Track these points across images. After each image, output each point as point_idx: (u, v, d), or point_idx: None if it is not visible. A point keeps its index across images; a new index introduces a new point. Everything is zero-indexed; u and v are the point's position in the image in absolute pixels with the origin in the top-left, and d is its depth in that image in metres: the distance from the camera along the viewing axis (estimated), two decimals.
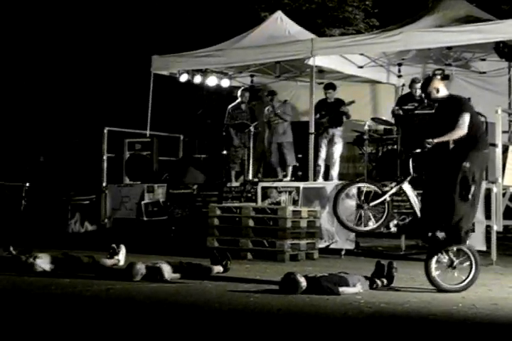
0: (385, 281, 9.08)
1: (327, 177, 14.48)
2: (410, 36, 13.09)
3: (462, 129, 8.56)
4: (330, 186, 13.25)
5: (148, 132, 15.79)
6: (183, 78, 16.00)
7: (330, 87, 14.99)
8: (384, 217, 9.24)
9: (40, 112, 23.86)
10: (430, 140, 8.62)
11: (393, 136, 14.02)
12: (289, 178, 14.80)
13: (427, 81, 9.17)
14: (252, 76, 17.10)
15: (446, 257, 8.74)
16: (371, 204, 9.22)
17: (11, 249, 10.88)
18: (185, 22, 22.69)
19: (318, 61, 14.06)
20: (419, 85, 13.61)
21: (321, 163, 14.55)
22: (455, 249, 8.71)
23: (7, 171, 20.08)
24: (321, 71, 15.42)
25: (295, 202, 13.38)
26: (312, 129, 13.92)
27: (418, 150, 8.84)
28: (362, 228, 9.56)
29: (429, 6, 15.65)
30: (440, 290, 8.70)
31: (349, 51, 14.15)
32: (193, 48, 15.67)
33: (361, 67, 15.29)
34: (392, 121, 14.26)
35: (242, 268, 10.86)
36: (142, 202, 14.82)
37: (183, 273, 9.56)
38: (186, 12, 22.86)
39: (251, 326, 6.65)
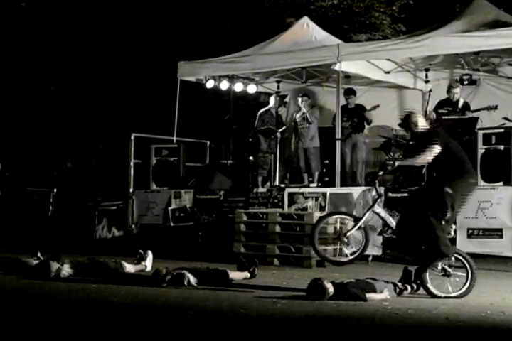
0: (414, 287, 9.03)
1: (354, 182, 14.45)
2: (437, 41, 13.02)
3: (424, 157, 8.88)
4: (356, 192, 13.20)
5: (175, 138, 15.82)
6: (210, 84, 16.02)
7: (350, 92, 15.00)
8: (363, 244, 9.60)
9: (67, 119, 23.98)
10: (390, 162, 8.87)
11: None
12: (315, 184, 14.77)
13: (406, 116, 9.41)
14: (278, 82, 17.10)
15: (439, 268, 8.85)
16: (347, 234, 9.54)
17: (39, 254, 10.94)
18: (211, 28, 22.72)
19: (345, 66, 14.02)
20: (456, 90, 13.62)
21: (347, 168, 14.55)
22: (444, 261, 8.83)
23: (35, 177, 20.20)
24: (347, 76, 15.39)
25: (322, 208, 13.34)
26: (338, 135, 13.89)
27: (381, 173, 9.37)
28: (343, 259, 9.86)
29: (457, 10, 15.58)
30: (437, 298, 8.74)
31: (375, 56, 14.10)
32: (220, 54, 15.68)
33: (388, 72, 15.23)
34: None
35: (269, 274, 10.84)
36: (169, 208, 14.83)
37: (205, 279, 9.58)
38: (213, 18, 22.90)
39: (278, 332, 6.63)
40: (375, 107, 14.66)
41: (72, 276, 10.17)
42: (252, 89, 16.66)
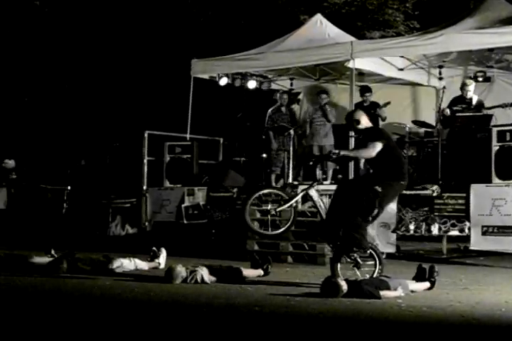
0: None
1: None
2: (451, 38, 12.97)
3: (369, 152, 9.10)
4: None
5: (188, 135, 15.83)
6: (223, 81, 16.02)
7: (367, 90, 14.98)
8: (290, 221, 9.66)
9: (81, 117, 24.04)
10: (336, 151, 9.24)
11: (434, 138, 13.93)
12: (329, 181, 14.74)
13: (349, 114, 9.79)
14: (291, 79, 17.09)
15: (352, 258, 9.12)
16: (278, 209, 9.55)
17: (53, 252, 10.97)
18: (224, 25, 22.72)
19: (358, 64, 13.99)
20: (470, 87, 13.57)
21: (362, 166, 14.52)
22: (356, 252, 9.08)
23: (49, 175, 20.25)
24: (361, 74, 15.36)
25: None
26: (353, 132, 13.86)
27: (323, 159, 9.89)
28: (269, 232, 9.85)
29: (471, 7, 15.52)
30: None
31: (389, 53, 14.06)
32: (233, 52, 15.68)
33: (401, 69, 15.19)
34: (433, 123, 14.21)
35: (283, 272, 10.84)
36: (182, 205, 14.84)
37: (220, 276, 9.59)
38: (226, 16, 22.90)
39: (292, 329, 6.63)
40: (386, 104, 14.64)
41: (87, 273, 10.20)
42: (265, 86, 16.66)
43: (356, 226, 9.04)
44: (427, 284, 9.05)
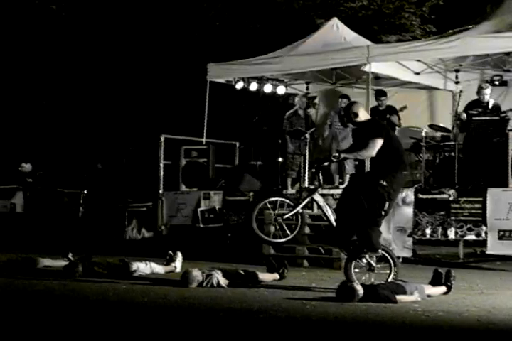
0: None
1: None
2: (468, 42, 12.93)
3: (370, 152, 9.09)
4: None
5: (204, 139, 15.84)
6: (239, 85, 16.04)
7: (381, 94, 14.95)
8: (298, 227, 9.58)
9: (97, 120, 24.11)
10: (337, 154, 9.27)
11: (450, 142, 13.89)
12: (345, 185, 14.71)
13: (348, 106, 9.79)
14: (307, 83, 17.08)
15: (364, 262, 9.14)
16: (284, 216, 9.46)
17: (70, 255, 11.01)
18: (241, 29, 22.75)
19: (375, 68, 13.98)
20: (486, 91, 13.53)
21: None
22: (369, 255, 9.11)
23: (66, 178, 20.32)
24: (377, 77, 15.34)
25: None
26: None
27: (326, 163, 9.66)
28: (277, 240, 9.75)
29: (487, 11, 15.46)
30: None
31: (405, 57, 14.04)
32: (249, 56, 15.69)
33: (418, 73, 15.15)
34: (450, 127, 14.18)
35: (298, 276, 10.84)
36: (198, 209, 14.86)
37: (235, 280, 9.59)
38: (242, 20, 22.92)
39: (308, 333, 6.62)
40: (403, 108, 14.60)
41: (103, 277, 10.23)
42: (281, 90, 16.66)
43: (366, 228, 9.03)
44: (444, 289, 9.02)
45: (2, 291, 9.09)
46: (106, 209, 17.59)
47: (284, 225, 9.58)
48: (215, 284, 9.41)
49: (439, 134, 14.84)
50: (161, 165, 15.76)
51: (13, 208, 18.89)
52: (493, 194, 12.03)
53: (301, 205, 9.49)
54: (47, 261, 11.55)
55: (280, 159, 15.56)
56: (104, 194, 18.48)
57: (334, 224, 9.30)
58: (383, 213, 9.09)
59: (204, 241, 14.50)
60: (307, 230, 12.42)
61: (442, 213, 12.46)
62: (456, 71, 15.17)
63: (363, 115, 9.48)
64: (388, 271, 9.15)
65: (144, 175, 18.31)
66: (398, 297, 8.34)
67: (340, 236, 9.33)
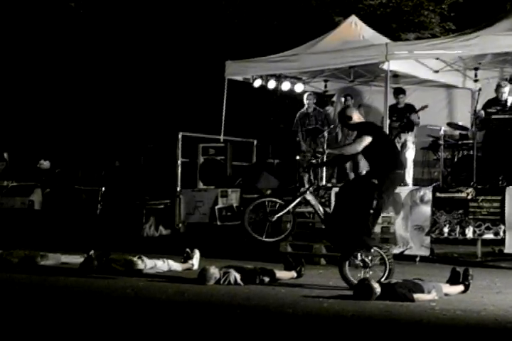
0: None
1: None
2: (487, 40, 12.88)
3: (354, 147, 9.45)
4: (404, 192, 13.11)
5: (222, 137, 15.86)
6: (257, 83, 16.04)
7: (400, 92, 14.89)
8: (291, 227, 9.87)
9: (115, 118, 24.18)
10: (321, 150, 9.64)
11: (469, 141, 13.84)
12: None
13: (342, 111, 10.07)
14: (325, 81, 17.05)
15: (358, 259, 9.20)
16: (276, 216, 9.67)
17: (92, 252, 11.03)
18: (259, 27, 22.74)
19: (393, 65, 13.93)
20: (505, 89, 13.45)
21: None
22: (363, 252, 9.20)
23: (84, 176, 20.38)
24: (395, 75, 15.30)
25: None
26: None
27: (314, 161, 9.71)
28: (269, 239, 9.96)
29: (507, 8, 15.40)
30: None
31: (424, 55, 13.98)
32: (267, 53, 15.68)
33: (436, 71, 15.09)
34: (469, 126, 14.11)
35: (316, 274, 10.82)
36: (216, 207, 14.86)
37: (252, 278, 9.60)
38: (260, 17, 22.91)
39: (325, 331, 6.62)
40: (423, 108, 14.55)
41: (120, 274, 10.26)
42: (299, 88, 16.63)
43: (359, 225, 9.22)
44: (461, 287, 8.99)
45: (20, 287, 9.13)
46: (124, 207, 17.60)
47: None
48: (232, 282, 9.42)
49: (457, 133, 14.78)
50: (179, 162, 15.78)
51: (32, 205, 18.96)
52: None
53: (291, 205, 9.67)
54: (64, 258, 11.60)
55: (298, 157, 15.55)
56: (122, 191, 18.50)
57: (326, 222, 9.56)
58: (370, 212, 9.26)
59: (221, 238, 14.50)
60: None
61: (460, 212, 12.41)
62: (475, 69, 15.11)
63: (357, 117, 9.75)
64: (383, 270, 9.20)
65: (161, 172, 18.32)
66: (416, 295, 8.32)
67: (333, 234, 9.56)
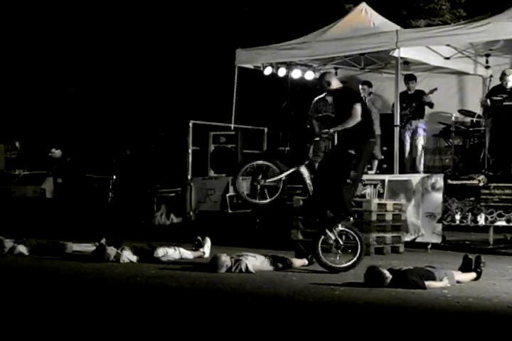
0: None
1: (413, 169, 14.34)
2: (498, 26, 12.81)
3: (355, 118, 9.45)
4: (416, 179, 13.09)
5: (232, 125, 15.85)
6: (268, 71, 16.02)
7: (411, 78, 14.85)
8: (278, 193, 9.92)
9: (126, 107, 24.19)
10: (327, 130, 9.67)
11: (480, 128, 13.79)
12: (374, 171, 14.67)
13: (320, 76, 10.19)
14: (336, 68, 17.00)
15: (333, 237, 9.48)
16: (267, 180, 9.89)
17: (103, 240, 11.06)
18: (269, 15, 22.69)
19: (404, 53, 13.89)
20: (510, 77, 13.40)
21: (407, 155, 14.45)
22: (341, 227, 9.49)
23: (95, 164, 20.43)
24: (406, 62, 15.24)
25: (380, 195, 13.26)
26: (397, 122, 13.78)
27: (317, 139, 9.89)
28: (256, 201, 10.07)
29: None
30: (326, 268, 9.45)
31: (435, 42, 13.94)
32: (277, 41, 15.65)
33: (447, 58, 15.04)
34: (480, 112, 14.05)
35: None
36: (227, 195, 14.87)
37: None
38: (270, 5, 22.85)
39: (337, 319, 6.62)
40: (432, 91, 14.51)
41: (132, 262, 10.29)
42: (309, 75, 16.59)
43: (340, 193, 9.42)
44: (473, 275, 8.97)
45: (33, 275, 9.17)
46: (135, 195, 17.65)
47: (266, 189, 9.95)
48: (243, 269, 9.42)
49: (468, 119, 14.73)
50: (190, 150, 15.80)
51: (43, 193, 19.04)
52: None
53: (285, 173, 9.82)
54: (76, 246, 11.64)
55: (308, 145, 15.49)
56: (133, 179, 18.55)
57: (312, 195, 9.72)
58: (349, 181, 9.41)
59: (232, 226, 14.51)
60: None
61: (472, 199, 12.39)
62: (487, 56, 15.05)
63: (335, 83, 9.88)
64: (355, 252, 9.51)
65: (172, 160, 18.35)
66: (427, 283, 8.30)
67: (314, 206, 9.73)
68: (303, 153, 10.13)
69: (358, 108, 9.47)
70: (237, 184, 10.05)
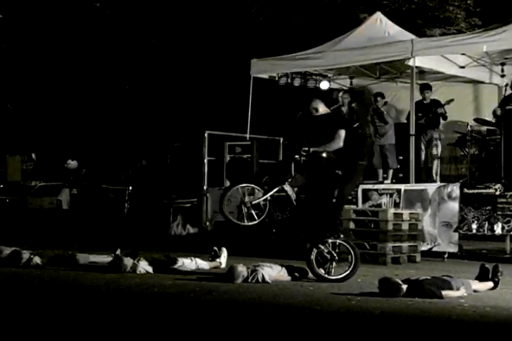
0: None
1: (429, 178, 14.32)
2: None
3: (337, 143, 9.69)
4: (432, 188, 13.06)
5: (248, 135, 15.87)
6: (283, 81, 16.04)
7: (426, 87, 14.86)
8: (265, 214, 10.17)
9: (142, 117, 24.26)
10: (306, 148, 9.87)
11: (496, 137, 13.76)
12: (389, 180, 14.66)
13: (308, 103, 10.28)
14: (351, 78, 17.02)
15: (326, 250, 9.55)
16: (253, 202, 10.10)
17: (118, 251, 11.09)
18: (284, 25, 22.73)
19: (419, 62, 13.90)
20: None
21: (422, 164, 14.43)
22: (332, 241, 9.60)
23: (111, 175, 20.49)
24: (421, 72, 15.25)
25: (396, 205, 13.25)
26: (413, 131, 13.76)
27: (297, 156, 10.06)
28: (244, 223, 10.22)
29: None
30: (321, 279, 9.49)
31: (450, 51, 13.93)
32: (292, 51, 15.68)
33: (463, 67, 15.03)
34: (494, 121, 14.04)
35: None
36: (243, 205, 14.85)
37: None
38: (285, 15, 22.90)
39: (353, 329, 6.61)
40: (449, 101, 14.51)
41: (149, 273, 10.30)
42: (325, 85, 16.60)
43: (327, 213, 9.64)
44: (491, 284, 8.93)
45: (50, 286, 9.19)
46: (151, 206, 17.69)
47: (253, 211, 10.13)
48: (260, 280, 9.42)
49: (484, 128, 14.71)
50: (205, 161, 15.82)
51: (60, 205, 19.12)
52: None
53: (269, 193, 10.06)
54: (93, 257, 11.66)
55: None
56: (149, 190, 18.59)
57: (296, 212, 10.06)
58: (334, 201, 9.64)
59: (249, 237, 14.50)
60: (352, 225, 12.37)
61: (488, 208, 12.35)
62: (502, 64, 15.05)
63: (322, 109, 10.06)
64: (349, 263, 9.62)
65: (188, 171, 18.39)
66: (444, 292, 8.28)
67: (303, 223, 10.01)
68: (285, 171, 10.28)
69: (341, 133, 9.68)
70: (224, 210, 10.15)
